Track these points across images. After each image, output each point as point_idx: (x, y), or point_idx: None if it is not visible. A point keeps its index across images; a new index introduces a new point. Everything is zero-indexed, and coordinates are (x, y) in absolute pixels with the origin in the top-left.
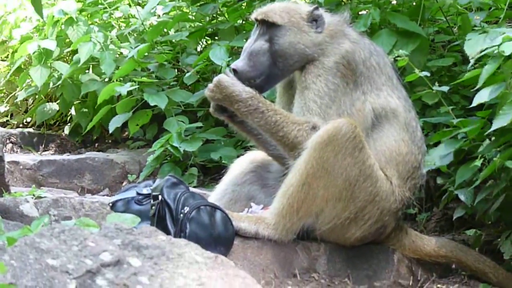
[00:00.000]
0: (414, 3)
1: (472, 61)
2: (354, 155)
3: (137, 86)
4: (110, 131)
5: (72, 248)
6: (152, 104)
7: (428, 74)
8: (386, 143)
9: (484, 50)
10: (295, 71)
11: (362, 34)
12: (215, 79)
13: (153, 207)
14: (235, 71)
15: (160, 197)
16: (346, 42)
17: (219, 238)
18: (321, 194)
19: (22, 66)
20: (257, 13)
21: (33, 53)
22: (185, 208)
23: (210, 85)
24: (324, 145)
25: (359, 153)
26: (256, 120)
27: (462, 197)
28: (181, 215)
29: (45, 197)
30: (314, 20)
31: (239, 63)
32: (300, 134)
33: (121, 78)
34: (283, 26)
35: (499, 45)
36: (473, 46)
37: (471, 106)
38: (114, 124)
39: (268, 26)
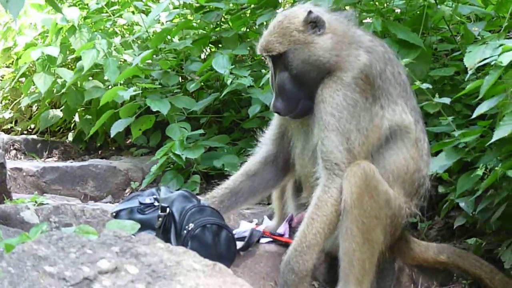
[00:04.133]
0: (417, 12)
1: (470, 72)
2: (379, 189)
3: (140, 92)
4: (112, 135)
5: (69, 255)
6: (154, 109)
7: (430, 86)
8: (396, 162)
9: (482, 61)
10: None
11: (373, 38)
12: None
13: (160, 219)
14: (278, 113)
15: (168, 209)
16: (362, 53)
17: (219, 258)
18: (381, 238)
19: (27, 73)
20: (259, 50)
21: (37, 59)
22: (190, 224)
23: None
24: (361, 199)
25: (381, 186)
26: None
27: (463, 206)
28: (185, 231)
29: (46, 204)
30: (312, 24)
31: (278, 104)
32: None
33: (123, 84)
34: (288, 50)
35: (498, 55)
36: (473, 57)
37: (472, 117)
38: (116, 128)
39: (276, 57)
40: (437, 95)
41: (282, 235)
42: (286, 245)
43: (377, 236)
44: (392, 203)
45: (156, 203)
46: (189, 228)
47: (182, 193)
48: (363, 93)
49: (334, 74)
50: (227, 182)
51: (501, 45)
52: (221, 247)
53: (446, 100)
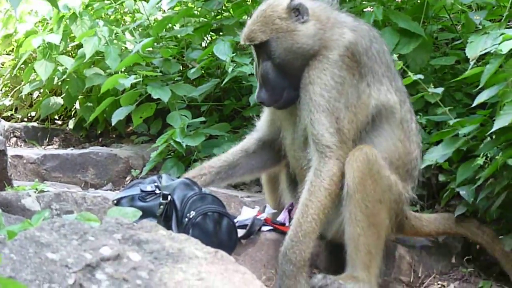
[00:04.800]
0: (418, 1)
1: (471, 63)
2: (382, 173)
3: (141, 79)
4: (113, 123)
5: (72, 242)
6: (155, 97)
7: (422, 77)
8: (386, 148)
9: (484, 50)
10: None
11: (357, 19)
12: None
13: (161, 207)
14: (262, 103)
15: (169, 197)
16: (346, 31)
17: (220, 246)
18: (387, 222)
19: (27, 60)
20: (242, 39)
21: (38, 47)
22: (191, 212)
23: None
24: (364, 183)
25: (384, 170)
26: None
27: (463, 195)
28: (186, 219)
29: (47, 191)
30: (295, 12)
31: (262, 95)
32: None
33: (124, 71)
34: (271, 38)
35: (499, 44)
36: (474, 48)
37: (472, 106)
38: (117, 116)
39: (259, 46)
40: (431, 85)
41: (283, 224)
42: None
43: (381, 220)
44: (394, 188)
45: (157, 191)
46: (191, 216)
47: (183, 181)
48: (350, 70)
49: (320, 53)
50: (225, 155)
51: (502, 34)
52: (222, 235)
53: (439, 90)
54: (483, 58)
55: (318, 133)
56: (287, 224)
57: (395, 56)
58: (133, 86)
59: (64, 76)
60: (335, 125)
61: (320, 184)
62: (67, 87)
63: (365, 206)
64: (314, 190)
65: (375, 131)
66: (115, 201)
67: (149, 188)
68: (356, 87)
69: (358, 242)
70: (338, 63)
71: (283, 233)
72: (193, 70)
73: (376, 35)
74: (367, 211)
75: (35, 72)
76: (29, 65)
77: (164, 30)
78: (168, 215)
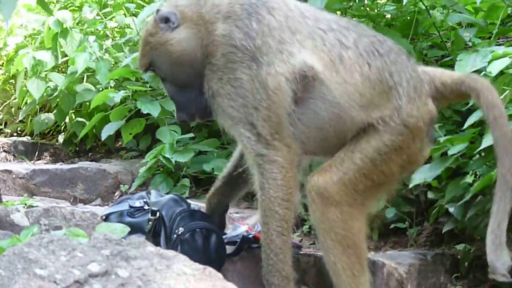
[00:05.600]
0: (408, 18)
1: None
2: (341, 192)
3: (130, 94)
4: (103, 139)
5: (60, 258)
6: (145, 111)
7: None
8: (322, 123)
9: (473, 68)
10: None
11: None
12: None
13: (150, 223)
14: (184, 122)
15: (158, 213)
16: (219, 25)
17: (209, 263)
18: (362, 230)
19: (16, 74)
20: (138, 69)
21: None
22: (180, 228)
23: None
24: (325, 215)
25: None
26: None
27: (452, 211)
28: (175, 235)
29: (36, 206)
30: (165, 21)
31: (179, 115)
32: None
33: (114, 87)
34: (152, 57)
35: (488, 62)
36: (463, 66)
37: (463, 128)
38: (106, 131)
39: (152, 71)
40: None
41: None
42: None
43: (357, 236)
44: (362, 183)
45: (146, 207)
46: (179, 232)
47: (172, 197)
48: (242, 64)
49: (208, 61)
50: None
51: (492, 51)
52: (211, 252)
53: None
54: None
55: (245, 146)
56: None
57: None
58: (123, 101)
59: (56, 93)
60: (254, 131)
61: (268, 195)
62: (58, 102)
63: (334, 233)
64: (265, 204)
65: (302, 108)
66: (104, 217)
67: (137, 204)
68: (257, 78)
69: (337, 268)
70: (227, 66)
71: None
72: None
73: (259, 4)
74: (338, 237)
75: (27, 90)
76: (22, 84)
77: None
78: (156, 231)
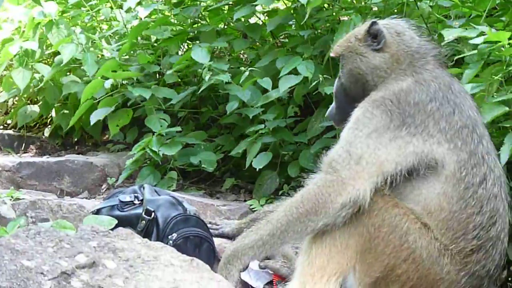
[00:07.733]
0: (395, 10)
1: (446, 41)
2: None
3: (120, 82)
4: (92, 123)
5: (47, 249)
6: (136, 94)
7: None
8: (426, 197)
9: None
10: None
11: (442, 72)
12: None
13: (143, 222)
14: (333, 121)
15: (153, 214)
16: (409, 81)
17: None
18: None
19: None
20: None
21: (15, 55)
22: (173, 234)
23: None
24: (365, 257)
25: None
26: None
27: None
28: (170, 241)
29: (23, 199)
30: (372, 36)
31: (331, 112)
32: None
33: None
34: (342, 55)
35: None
36: (450, 32)
37: None
38: (95, 117)
39: (338, 59)
40: None
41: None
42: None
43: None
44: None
45: (136, 201)
46: (173, 238)
47: (169, 199)
48: (388, 112)
49: (369, 94)
50: None
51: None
52: (200, 258)
53: None
54: (461, 64)
55: (327, 156)
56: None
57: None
58: (108, 93)
59: (41, 84)
60: (347, 147)
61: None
62: (44, 95)
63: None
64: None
65: (416, 181)
66: (94, 211)
67: (128, 198)
68: (388, 128)
69: None
70: (375, 102)
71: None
72: (168, 72)
73: (448, 96)
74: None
75: (11, 79)
76: (7, 74)
77: (140, 37)
78: (149, 231)
